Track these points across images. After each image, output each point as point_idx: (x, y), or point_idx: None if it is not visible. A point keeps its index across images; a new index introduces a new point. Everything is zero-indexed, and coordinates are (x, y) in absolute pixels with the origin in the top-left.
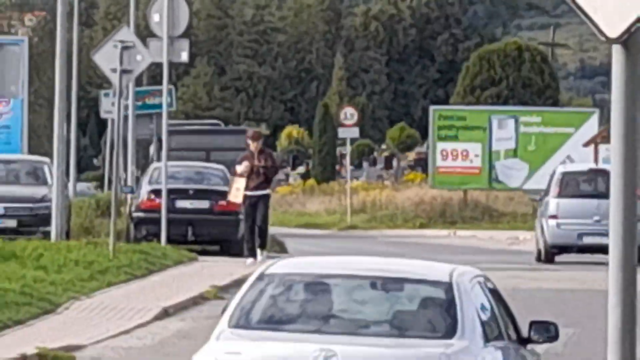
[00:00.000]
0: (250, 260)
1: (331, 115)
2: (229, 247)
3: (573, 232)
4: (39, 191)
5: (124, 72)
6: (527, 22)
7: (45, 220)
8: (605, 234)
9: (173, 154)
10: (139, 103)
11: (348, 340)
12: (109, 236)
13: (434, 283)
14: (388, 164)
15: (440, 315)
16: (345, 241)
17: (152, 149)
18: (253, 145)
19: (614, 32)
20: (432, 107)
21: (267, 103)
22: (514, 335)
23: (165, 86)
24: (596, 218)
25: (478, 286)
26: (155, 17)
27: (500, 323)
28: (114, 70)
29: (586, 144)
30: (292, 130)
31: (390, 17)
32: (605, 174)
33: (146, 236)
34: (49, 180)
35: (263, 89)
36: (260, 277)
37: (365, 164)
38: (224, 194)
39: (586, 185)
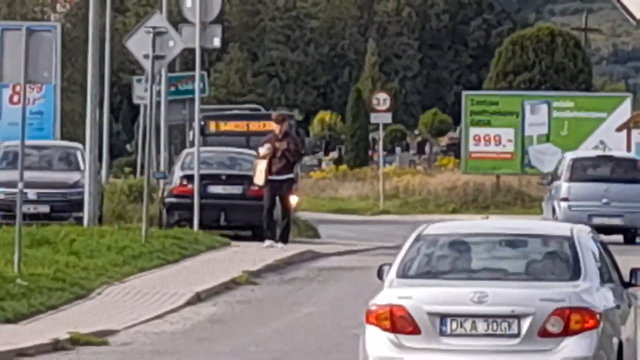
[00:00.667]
0: (268, 242)
1: (364, 101)
2: (261, 233)
3: (583, 213)
4: (71, 177)
5: (156, 58)
6: (560, 7)
7: (78, 205)
8: (612, 215)
9: (212, 139)
10: (172, 89)
11: (495, 284)
12: (141, 221)
13: (560, 238)
14: (421, 149)
15: (566, 263)
16: (378, 226)
17: (191, 134)
18: (277, 128)
19: None
20: (464, 92)
21: (299, 89)
22: (618, 280)
23: (197, 72)
24: (605, 200)
25: (592, 240)
26: (187, 3)
27: (610, 269)
28: (146, 56)
29: (619, 129)
30: (325, 115)
31: (422, 2)
32: (612, 160)
33: (178, 221)
34: (81, 165)
35: (295, 75)
36: (418, 238)
37: (397, 149)
38: None
39: (594, 170)
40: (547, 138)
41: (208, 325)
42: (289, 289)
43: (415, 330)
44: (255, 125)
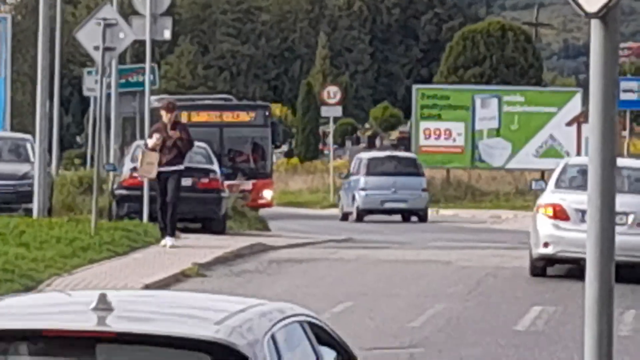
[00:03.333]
0: (169, 240)
1: (314, 94)
2: (211, 225)
3: (378, 199)
4: (21, 168)
5: (106, 49)
6: (511, 2)
7: (27, 197)
8: (399, 201)
9: None
10: (122, 81)
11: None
12: (91, 213)
13: None
14: (371, 143)
15: None
16: (328, 220)
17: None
18: (166, 117)
19: (592, 6)
20: (415, 86)
21: (250, 82)
22: None
23: (148, 64)
24: (393, 190)
25: None
26: None
27: None
28: (96, 48)
29: (569, 123)
30: (276, 108)
31: None
32: (397, 158)
33: (128, 213)
34: (31, 157)
35: (246, 68)
36: (565, 166)
37: (348, 143)
38: (206, 172)
39: (384, 167)
40: (497, 132)
41: None
42: (238, 281)
43: (567, 218)
44: (228, 116)
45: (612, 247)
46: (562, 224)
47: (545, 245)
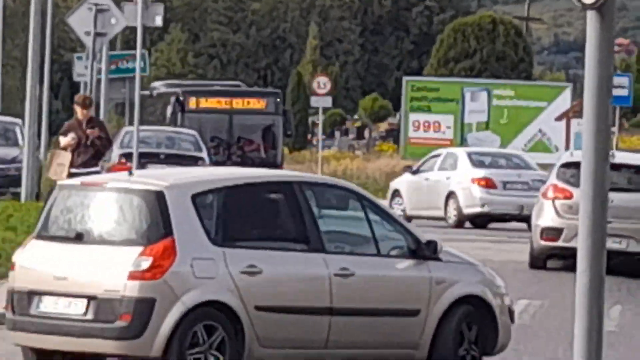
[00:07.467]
0: None
1: (304, 84)
2: None
3: None
4: (9, 152)
5: (97, 35)
6: None
7: (16, 181)
8: None
9: (192, 117)
10: (113, 67)
11: None
12: None
13: None
14: (360, 134)
15: None
16: None
17: (169, 110)
18: (81, 113)
19: None
20: (405, 78)
21: (240, 70)
22: None
23: (139, 50)
24: None
25: None
26: None
27: None
28: (87, 33)
29: (558, 118)
30: None
31: None
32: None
33: None
34: (20, 141)
35: (236, 57)
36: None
37: (337, 134)
38: (195, 160)
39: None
40: (486, 125)
41: None
42: None
43: (496, 187)
44: (238, 103)
45: (603, 239)
46: (492, 191)
47: (482, 206)
